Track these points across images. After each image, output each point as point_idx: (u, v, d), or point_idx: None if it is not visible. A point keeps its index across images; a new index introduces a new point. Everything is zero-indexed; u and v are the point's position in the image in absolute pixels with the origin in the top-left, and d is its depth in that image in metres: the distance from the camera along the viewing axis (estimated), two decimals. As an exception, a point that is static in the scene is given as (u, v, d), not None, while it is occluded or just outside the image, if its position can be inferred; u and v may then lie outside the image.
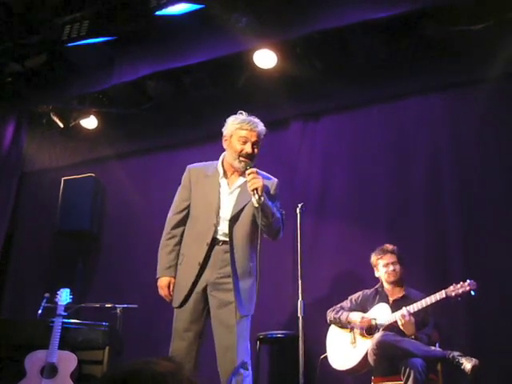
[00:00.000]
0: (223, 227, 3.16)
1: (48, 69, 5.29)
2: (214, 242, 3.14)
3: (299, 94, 5.28)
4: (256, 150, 3.19)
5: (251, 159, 3.16)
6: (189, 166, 3.39)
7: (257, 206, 2.99)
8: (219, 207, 3.17)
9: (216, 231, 3.14)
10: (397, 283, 4.05)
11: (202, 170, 3.33)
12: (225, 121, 3.35)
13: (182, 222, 3.29)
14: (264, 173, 3.28)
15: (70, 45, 4.80)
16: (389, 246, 4.09)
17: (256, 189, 2.98)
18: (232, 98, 5.46)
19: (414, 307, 3.70)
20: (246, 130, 3.18)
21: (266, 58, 4.95)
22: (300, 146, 5.35)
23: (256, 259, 3.11)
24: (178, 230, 3.29)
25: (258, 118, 5.44)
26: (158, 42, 4.92)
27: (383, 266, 4.07)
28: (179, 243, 3.26)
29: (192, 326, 3.15)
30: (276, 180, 3.34)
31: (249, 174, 3.05)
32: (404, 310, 3.68)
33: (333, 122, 5.34)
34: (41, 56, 5.14)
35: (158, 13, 4.48)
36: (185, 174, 3.38)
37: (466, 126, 4.75)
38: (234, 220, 3.14)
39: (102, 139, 6.12)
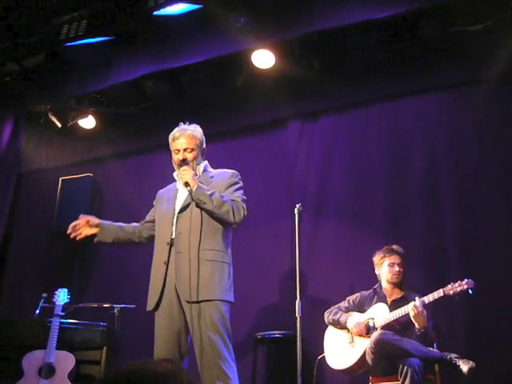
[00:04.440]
0: None
1: (46, 68, 5.29)
2: (173, 240, 3.23)
3: (297, 94, 5.28)
4: (191, 154, 3.35)
5: (186, 164, 3.30)
6: (159, 191, 3.62)
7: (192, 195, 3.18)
8: (175, 207, 3.32)
9: (172, 229, 3.26)
10: (397, 284, 4.07)
11: (167, 188, 3.56)
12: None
13: (149, 223, 3.53)
14: (220, 170, 3.47)
15: (67, 44, 4.79)
16: (397, 247, 4.11)
17: (186, 182, 3.18)
18: (230, 98, 5.47)
19: (425, 299, 3.68)
20: (175, 140, 3.39)
21: (264, 58, 4.95)
22: (298, 146, 5.35)
23: (221, 245, 3.23)
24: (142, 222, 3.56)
25: (256, 118, 5.55)
26: (156, 41, 4.92)
27: (388, 266, 4.08)
28: (135, 226, 3.56)
29: (172, 328, 3.17)
30: (232, 171, 3.45)
31: (180, 173, 3.27)
32: (417, 301, 3.66)
33: (331, 122, 5.34)
34: (39, 56, 5.13)
35: (156, 13, 4.47)
36: None
37: (464, 126, 4.76)
38: (181, 213, 3.27)
39: (99, 139, 6.11)
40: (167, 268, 3.20)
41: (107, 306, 4.83)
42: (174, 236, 3.23)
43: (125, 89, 5.52)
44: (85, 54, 5.03)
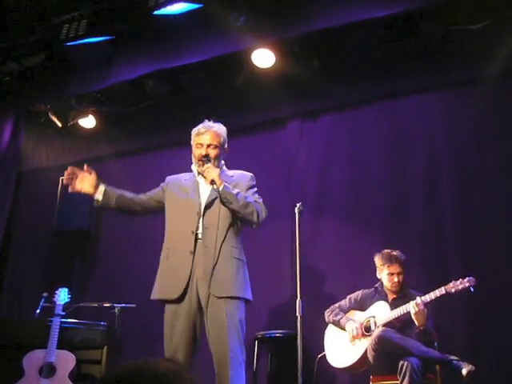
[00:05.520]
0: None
1: (46, 68, 5.28)
2: (198, 231, 3.20)
3: (297, 93, 5.28)
4: (214, 151, 3.33)
5: (208, 160, 3.28)
6: (167, 177, 3.56)
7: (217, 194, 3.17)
8: (200, 200, 3.29)
9: (199, 221, 3.22)
10: (397, 291, 4.07)
11: (179, 177, 3.50)
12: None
13: (149, 196, 3.49)
14: (238, 171, 3.47)
15: (68, 44, 4.79)
16: (397, 255, 4.05)
17: (212, 180, 3.16)
18: (230, 97, 5.47)
19: (427, 298, 3.68)
20: (200, 134, 3.36)
21: (264, 58, 4.96)
22: (298, 145, 5.36)
23: (241, 244, 3.28)
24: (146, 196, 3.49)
25: (256, 117, 5.55)
26: (156, 41, 4.92)
27: (388, 275, 4.05)
28: (136, 195, 3.48)
29: (190, 323, 3.15)
30: (251, 174, 3.47)
31: (204, 170, 3.23)
32: (418, 299, 3.67)
33: (331, 121, 5.34)
34: (39, 55, 5.13)
35: (156, 12, 4.48)
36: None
37: (463, 124, 4.76)
38: (207, 208, 3.26)
39: (100, 138, 6.11)
40: (194, 258, 3.16)
41: (108, 305, 4.83)
42: (200, 230, 3.20)
43: (125, 88, 5.52)
44: (85, 54, 5.03)
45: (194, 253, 3.16)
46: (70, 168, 3.28)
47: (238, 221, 3.26)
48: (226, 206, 3.17)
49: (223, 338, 3.02)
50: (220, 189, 3.14)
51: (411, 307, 3.69)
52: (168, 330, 3.18)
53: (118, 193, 3.39)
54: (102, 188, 3.32)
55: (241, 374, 3.05)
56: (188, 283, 3.14)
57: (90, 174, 3.28)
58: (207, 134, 3.33)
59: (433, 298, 3.67)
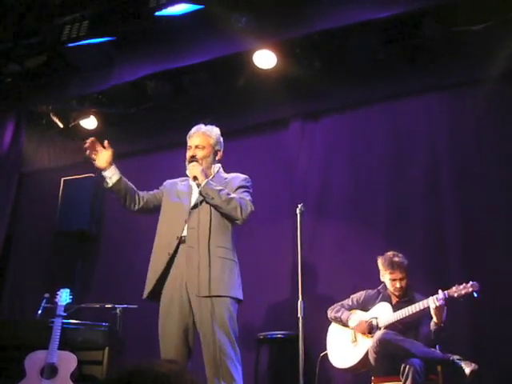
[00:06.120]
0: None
1: (48, 69, 5.30)
2: (183, 234, 3.25)
3: (298, 94, 5.28)
4: (201, 152, 3.40)
5: (195, 160, 3.35)
6: (166, 181, 3.62)
7: (199, 189, 3.24)
8: (190, 201, 3.34)
9: (185, 226, 3.26)
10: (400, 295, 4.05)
11: (177, 181, 3.56)
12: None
13: (151, 196, 3.51)
14: (234, 174, 3.50)
15: (69, 45, 4.80)
16: (399, 261, 3.96)
17: (194, 176, 3.25)
18: (231, 98, 5.47)
19: (446, 294, 3.59)
20: (190, 137, 3.46)
21: (265, 59, 4.96)
22: (299, 146, 5.36)
23: (230, 243, 3.29)
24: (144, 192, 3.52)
25: (258, 118, 5.54)
26: (157, 42, 4.93)
27: (390, 280, 3.99)
28: (137, 191, 3.47)
29: (181, 325, 3.18)
30: (245, 176, 3.49)
31: (189, 168, 3.34)
32: (440, 294, 3.58)
33: (332, 122, 5.34)
34: (40, 56, 5.14)
35: (157, 13, 4.48)
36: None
37: (464, 126, 4.76)
38: (194, 209, 3.30)
39: (101, 139, 6.10)
40: (171, 259, 3.22)
41: (109, 306, 4.83)
42: (185, 233, 3.23)
43: (126, 89, 5.52)
44: (86, 55, 5.04)
45: (172, 255, 3.21)
46: (92, 139, 3.35)
47: (224, 218, 3.26)
48: (208, 203, 3.21)
49: (212, 340, 3.03)
50: (202, 184, 3.19)
51: (431, 302, 3.59)
52: (160, 328, 3.23)
53: (129, 184, 3.43)
54: (116, 172, 3.34)
55: (236, 375, 3.04)
56: (157, 284, 3.23)
57: (108, 153, 3.33)
58: (196, 135, 3.42)
59: (446, 296, 3.59)
